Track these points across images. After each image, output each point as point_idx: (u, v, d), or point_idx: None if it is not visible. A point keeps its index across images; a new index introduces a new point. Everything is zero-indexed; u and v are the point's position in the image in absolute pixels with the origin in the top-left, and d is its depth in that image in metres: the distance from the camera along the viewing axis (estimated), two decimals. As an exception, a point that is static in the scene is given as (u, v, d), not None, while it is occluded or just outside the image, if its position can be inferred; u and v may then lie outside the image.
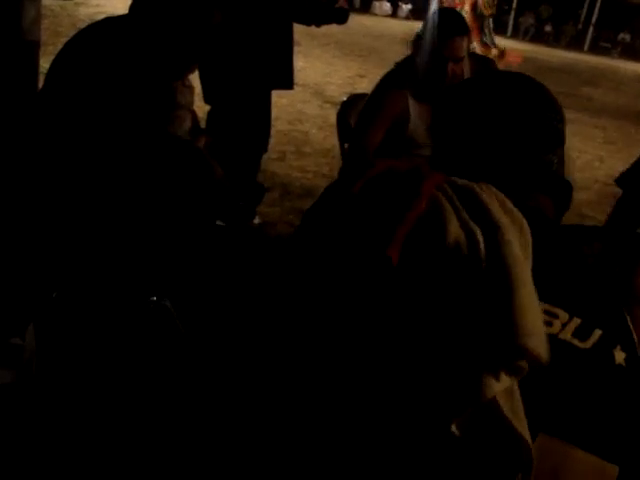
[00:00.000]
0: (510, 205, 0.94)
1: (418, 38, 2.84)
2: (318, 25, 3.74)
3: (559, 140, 1.22)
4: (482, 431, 0.86)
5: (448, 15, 2.92)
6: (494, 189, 0.96)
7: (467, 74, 2.79)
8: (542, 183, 1.19)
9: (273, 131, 4.09)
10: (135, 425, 1.58)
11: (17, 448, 1.52)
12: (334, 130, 3.77)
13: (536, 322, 0.85)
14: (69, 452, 1.53)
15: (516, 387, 0.87)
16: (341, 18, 3.68)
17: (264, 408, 0.96)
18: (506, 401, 0.85)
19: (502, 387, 0.84)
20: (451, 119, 1.24)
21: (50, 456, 1.53)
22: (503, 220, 0.90)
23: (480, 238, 0.86)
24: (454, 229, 0.86)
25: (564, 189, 1.22)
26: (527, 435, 0.86)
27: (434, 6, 7.26)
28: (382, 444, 0.88)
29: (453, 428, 0.84)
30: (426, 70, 2.74)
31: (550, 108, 1.21)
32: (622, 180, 2.40)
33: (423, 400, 0.85)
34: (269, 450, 0.94)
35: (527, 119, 1.19)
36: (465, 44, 2.75)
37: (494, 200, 0.93)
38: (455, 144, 1.22)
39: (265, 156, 4.17)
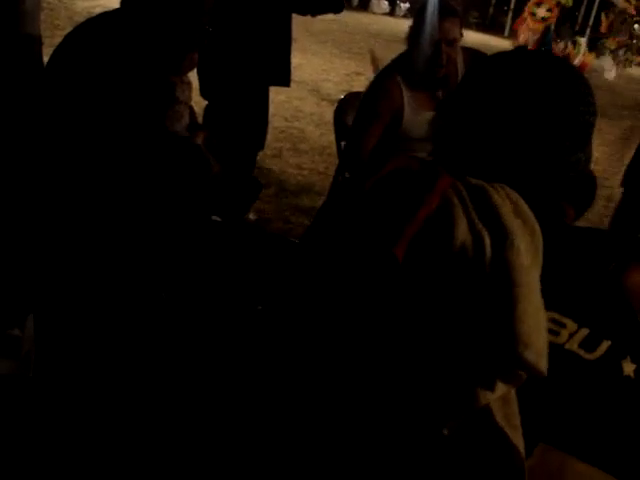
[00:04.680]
0: (523, 207, 0.89)
1: (411, 29, 2.87)
2: (313, 15, 3.74)
3: (589, 135, 1.07)
4: (474, 437, 0.84)
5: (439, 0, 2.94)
6: (508, 189, 0.90)
7: (460, 64, 2.84)
8: (566, 189, 1.07)
9: (269, 128, 4.09)
10: (133, 417, 1.59)
11: (16, 439, 1.53)
12: (331, 128, 3.78)
13: (537, 334, 0.81)
14: (68, 444, 1.54)
15: (513, 395, 0.85)
16: (337, 7, 3.68)
17: (259, 407, 0.96)
18: (500, 408, 0.84)
19: (497, 395, 0.82)
20: (462, 107, 1.08)
21: (49, 448, 1.54)
22: (513, 224, 0.86)
23: (488, 242, 0.83)
24: (462, 232, 0.83)
25: (588, 189, 1.13)
26: (520, 444, 0.84)
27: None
28: (374, 444, 0.86)
29: (444, 430, 0.83)
30: (421, 55, 2.79)
31: (583, 100, 1.05)
32: (625, 181, 2.39)
33: (418, 402, 0.84)
34: (265, 450, 0.94)
35: (556, 113, 1.02)
36: (457, 28, 2.79)
37: (506, 202, 0.88)
38: (464, 139, 1.08)
39: (261, 153, 4.18)
